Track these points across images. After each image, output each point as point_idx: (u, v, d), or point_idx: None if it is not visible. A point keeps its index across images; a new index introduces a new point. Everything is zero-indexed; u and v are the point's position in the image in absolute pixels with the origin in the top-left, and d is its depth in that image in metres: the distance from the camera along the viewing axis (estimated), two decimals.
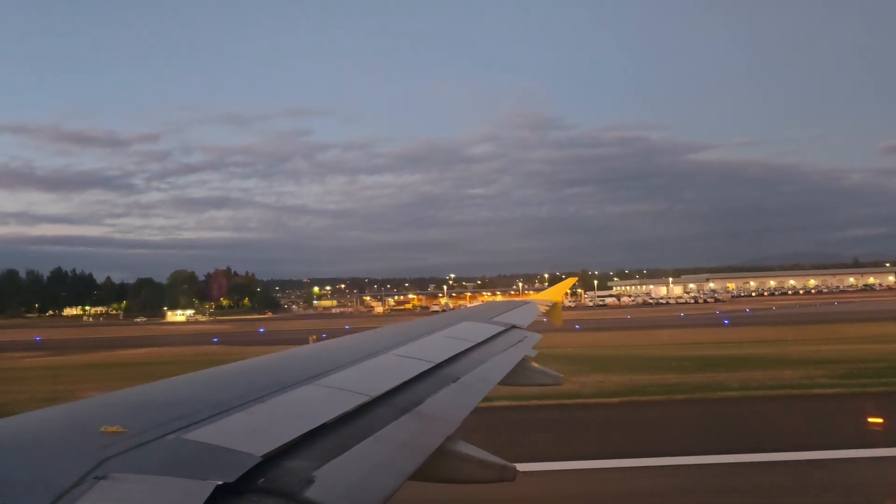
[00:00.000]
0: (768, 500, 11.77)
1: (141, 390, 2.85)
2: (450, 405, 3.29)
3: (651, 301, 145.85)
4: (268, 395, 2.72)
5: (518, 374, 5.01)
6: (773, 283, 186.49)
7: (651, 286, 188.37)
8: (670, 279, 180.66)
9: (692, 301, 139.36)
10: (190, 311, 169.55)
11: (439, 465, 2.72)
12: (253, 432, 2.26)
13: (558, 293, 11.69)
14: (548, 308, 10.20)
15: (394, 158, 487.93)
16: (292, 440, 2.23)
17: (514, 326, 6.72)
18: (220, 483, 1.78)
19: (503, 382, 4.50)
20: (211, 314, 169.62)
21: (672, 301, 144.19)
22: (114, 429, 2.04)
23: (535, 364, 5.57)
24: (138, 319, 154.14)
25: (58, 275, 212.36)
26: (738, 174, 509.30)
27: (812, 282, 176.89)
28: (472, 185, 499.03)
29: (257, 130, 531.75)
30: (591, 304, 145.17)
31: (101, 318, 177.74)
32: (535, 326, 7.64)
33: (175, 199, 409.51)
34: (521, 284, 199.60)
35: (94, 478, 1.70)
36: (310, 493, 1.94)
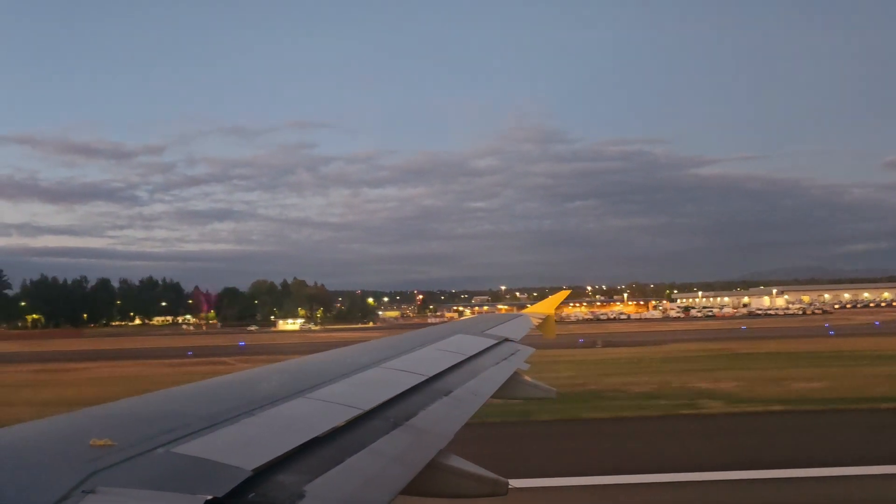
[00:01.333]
0: None
1: (130, 403, 2.83)
2: (442, 419, 3.28)
3: (760, 311, 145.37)
4: (259, 409, 2.71)
5: (511, 387, 5.00)
6: (847, 295, 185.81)
7: (725, 298, 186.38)
8: (774, 290, 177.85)
9: (801, 312, 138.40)
10: (301, 320, 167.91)
11: (431, 479, 2.71)
12: (243, 446, 2.24)
13: (550, 306, 11.69)
14: (540, 321, 10.20)
15: (397, 171, 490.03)
16: (283, 454, 2.22)
17: (506, 339, 6.72)
18: (209, 497, 1.77)
19: (496, 396, 4.49)
20: (318, 323, 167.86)
21: (780, 312, 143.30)
22: (103, 442, 2.03)
23: (527, 378, 5.56)
24: (251, 328, 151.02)
25: (149, 283, 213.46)
26: (740, 189, 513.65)
27: (886, 294, 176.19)
28: (475, 199, 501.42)
29: (262, 143, 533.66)
30: (699, 314, 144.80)
31: (203, 327, 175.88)
32: (529, 340, 7.64)
33: (178, 211, 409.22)
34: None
35: (83, 492, 1.68)
36: None
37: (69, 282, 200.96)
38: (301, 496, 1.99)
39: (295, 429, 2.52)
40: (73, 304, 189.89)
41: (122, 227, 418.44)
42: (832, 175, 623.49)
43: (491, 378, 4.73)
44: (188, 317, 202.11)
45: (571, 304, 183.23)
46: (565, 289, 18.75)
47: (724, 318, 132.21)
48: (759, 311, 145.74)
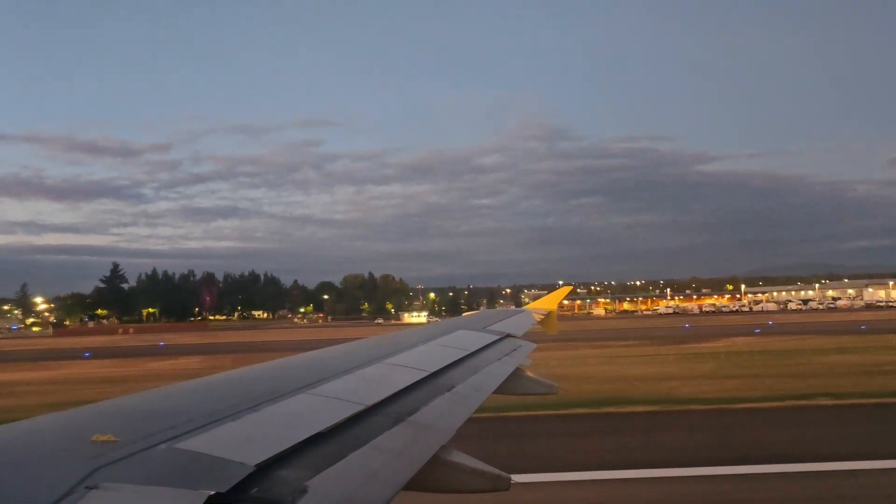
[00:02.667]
0: None
1: (133, 399, 2.83)
2: (444, 414, 3.29)
3: (881, 303, 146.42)
4: (261, 405, 2.71)
5: (513, 383, 5.00)
6: None
7: (808, 291, 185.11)
8: (890, 282, 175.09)
9: None
10: (425, 313, 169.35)
11: (433, 474, 2.71)
12: (246, 442, 2.24)
13: (553, 302, 11.69)
14: (543, 316, 10.19)
15: (402, 169, 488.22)
16: (286, 449, 2.22)
17: (508, 335, 6.72)
18: (212, 493, 1.77)
19: (498, 391, 4.49)
20: (442, 316, 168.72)
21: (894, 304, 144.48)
22: (106, 437, 2.03)
23: (529, 373, 5.56)
24: (378, 321, 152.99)
25: (252, 278, 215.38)
26: (745, 185, 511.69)
27: None
28: (480, 196, 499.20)
29: (268, 141, 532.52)
30: (821, 306, 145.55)
31: (318, 321, 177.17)
32: (532, 335, 7.64)
33: (183, 208, 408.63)
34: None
35: (86, 487, 1.69)
36: (303, 502, 1.93)
37: (176, 276, 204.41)
38: (304, 491, 2.00)
39: (297, 425, 2.52)
40: (183, 298, 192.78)
41: (126, 225, 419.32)
42: (837, 172, 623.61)
43: (493, 373, 4.73)
44: (302, 311, 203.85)
45: (615, 300, 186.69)
46: (567, 285, 18.71)
47: (846, 310, 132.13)
48: (880, 303, 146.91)
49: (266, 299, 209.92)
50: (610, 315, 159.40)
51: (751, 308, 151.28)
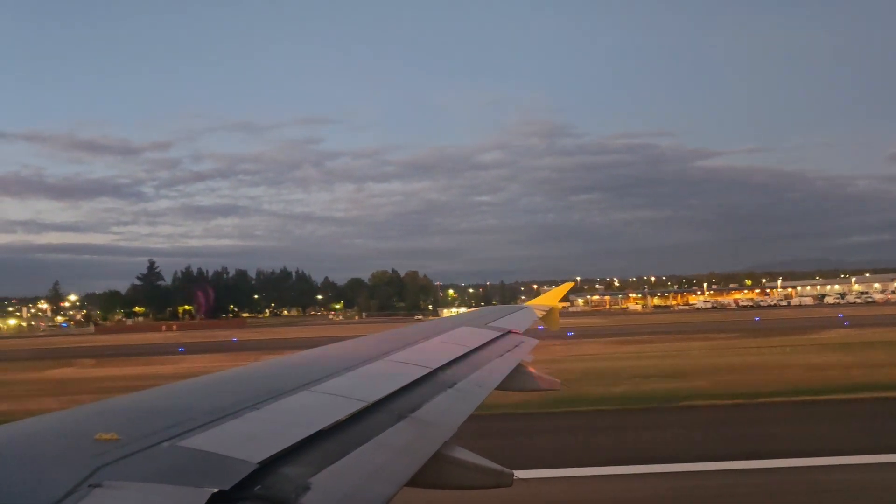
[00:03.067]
0: None
1: (136, 397, 2.84)
2: (447, 411, 3.29)
3: None
4: (264, 402, 2.71)
5: (515, 379, 5.00)
6: None
7: (828, 286, 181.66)
8: None
9: None
10: (464, 309, 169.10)
11: (436, 470, 2.71)
12: (249, 439, 2.25)
13: (555, 298, 11.69)
14: (544, 313, 10.20)
15: (402, 166, 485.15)
16: (288, 447, 2.22)
17: (510, 331, 6.72)
18: (215, 490, 1.77)
19: (500, 388, 4.50)
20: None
21: None
22: (108, 436, 2.03)
23: (531, 369, 5.57)
24: (418, 317, 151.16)
25: (283, 275, 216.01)
26: (745, 181, 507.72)
27: None
28: (480, 193, 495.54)
29: (268, 139, 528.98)
30: (858, 300, 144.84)
31: (355, 318, 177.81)
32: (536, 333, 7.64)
33: (183, 206, 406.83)
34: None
35: (89, 486, 1.69)
36: (306, 499, 1.93)
37: (210, 273, 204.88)
38: (307, 488, 2.00)
39: (300, 422, 2.52)
40: (217, 295, 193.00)
41: (126, 224, 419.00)
42: (837, 167, 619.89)
43: (495, 370, 4.73)
44: (337, 307, 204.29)
45: (639, 295, 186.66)
46: (568, 281, 18.72)
47: (883, 303, 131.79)
48: None
49: (297, 296, 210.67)
50: (648, 310, 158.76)
51: (788, 303, 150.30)
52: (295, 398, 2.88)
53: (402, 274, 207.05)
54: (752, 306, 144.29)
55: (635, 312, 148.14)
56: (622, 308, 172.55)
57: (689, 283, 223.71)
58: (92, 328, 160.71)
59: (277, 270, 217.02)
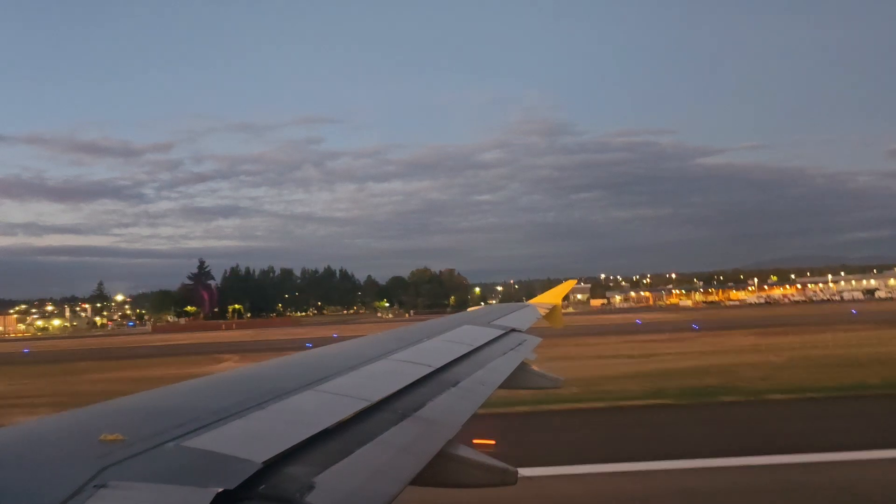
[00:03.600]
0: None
1: (140, 397, 2.84)
2: (450, 409, 3.29)
3: None
4: (268, 402, 2.72)
5: (518, 377, 5.00)
6: None
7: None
8: None
9: None
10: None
11: (440, 469, 2.72)
12: (253, 439, 2.25)
13: (557, 296, 11.67)
14: (547, 311, 10.18)
15: (403, 166, 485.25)
16: (293, 446, 2.23)
17: (513, 330, 6.72)
18: (220, 490, 1.78)
19: (503, 386, 4.49)
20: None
21: None
22: (113, 437, 2.04)
23: (535, 367, 5.56)
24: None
25: (327, 274, 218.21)
26: (745, 178, 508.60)
27: None
28: (480, 192, 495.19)
29: (269, 139, 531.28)
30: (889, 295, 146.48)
31: (406, 315, 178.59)
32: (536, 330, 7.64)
33: (184, 208, 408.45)
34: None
35: (94, 486, 1.69)
36: (310, 498, 1.94)
37: (256, 273, 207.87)
38: (311, 488, 2.00)
39: (304, 421, 2.53)
40: (265, 294, 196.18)
41: (127, 225, 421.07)
42: (837, 163, 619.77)
43: (498, 368, 4.73)
44: (388, 305, 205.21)
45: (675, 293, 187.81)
46: (570, 279, 18.68)
47: None
48: None
49: (342, 295, 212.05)
50: (700, 305, 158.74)
51: (841, 297, 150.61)
52: (299, 398, 2.89)
53: (441, 271, 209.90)
54: (805, 301, 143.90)
55: (689, 308, 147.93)
56: (671, 304, 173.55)
57: (708, 280, 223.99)
58: (149, 327, 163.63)
59: (321, 270, 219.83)
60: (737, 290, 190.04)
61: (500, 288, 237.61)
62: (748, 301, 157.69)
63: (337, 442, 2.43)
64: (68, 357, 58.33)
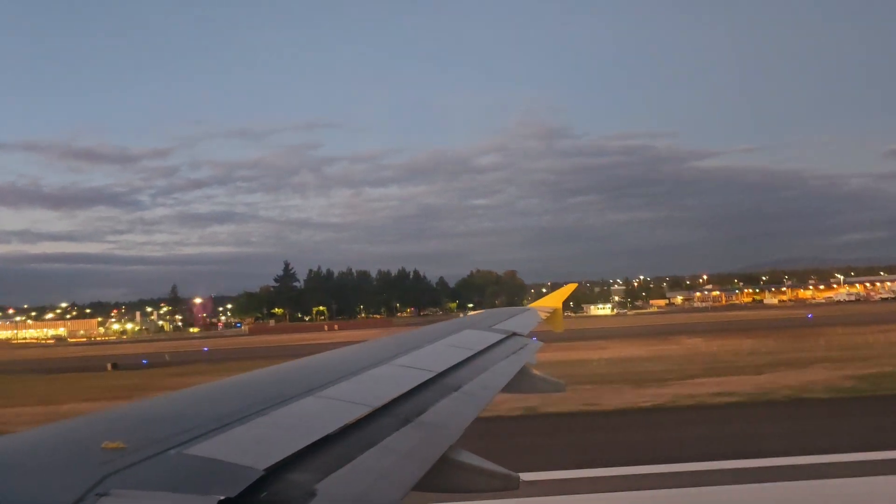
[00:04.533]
0: None
1: (142, 405, 2.84)
2: (452, 414, 3.29)
3: None
4: (269, 408, 2.71)
5: (520, 381, 5.00)
6: None
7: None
8: None
9: None
10: (609, 305, 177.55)
11: (442, 474, 2.71)
12: (255, 446, 2.25)
13: (558, 299, 11.67)
14: (548, 314, 10.18)
15: (400, 170, 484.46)
16: (294, 453, 2.23)
17: (514, 334, 6.71)
18: (222, 498, 1.77)
19: (505, 390, 4.49)
20: (615, 310, 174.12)
21: None
22: (115, 444, 2.04)
23: (536, 371, 5.56)
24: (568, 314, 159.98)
25: (401, 276, 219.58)
26: (741, 180, 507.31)
27: None
28: (477, 196, 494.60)
29: (267, 144, 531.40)
30: None
31: None
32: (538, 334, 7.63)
33: (179, 214, 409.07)
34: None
35: (96, 494, 1.69)
36: None
37: (335, 274, 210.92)
38: (313, 494, 2.00)
39: (306, 428, 2.52)
40: (346, 295, 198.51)
41: (122, 232, 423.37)
42: (832, 165, 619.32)
43: (500, 372, 4.73)
44: (471, 306, 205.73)
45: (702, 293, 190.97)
46: (571, 283, 18.67)
47: None
48: None
49: (417, 296, 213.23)
50: (787, 304, 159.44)
51: None
52: (301, 404, 2.88)
53: (502, 273, 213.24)
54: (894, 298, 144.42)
55: (774, 307, 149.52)
56: (746, 302, 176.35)
57: (748, 280, 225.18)
58: (246, 329, 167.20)
59: (395, 271, 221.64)
60: (795, 288, 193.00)
61: (544, 290, 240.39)
62: (836, 299, 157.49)
63: (339, 448, 2.43)
64: (247, 356, 56.75)
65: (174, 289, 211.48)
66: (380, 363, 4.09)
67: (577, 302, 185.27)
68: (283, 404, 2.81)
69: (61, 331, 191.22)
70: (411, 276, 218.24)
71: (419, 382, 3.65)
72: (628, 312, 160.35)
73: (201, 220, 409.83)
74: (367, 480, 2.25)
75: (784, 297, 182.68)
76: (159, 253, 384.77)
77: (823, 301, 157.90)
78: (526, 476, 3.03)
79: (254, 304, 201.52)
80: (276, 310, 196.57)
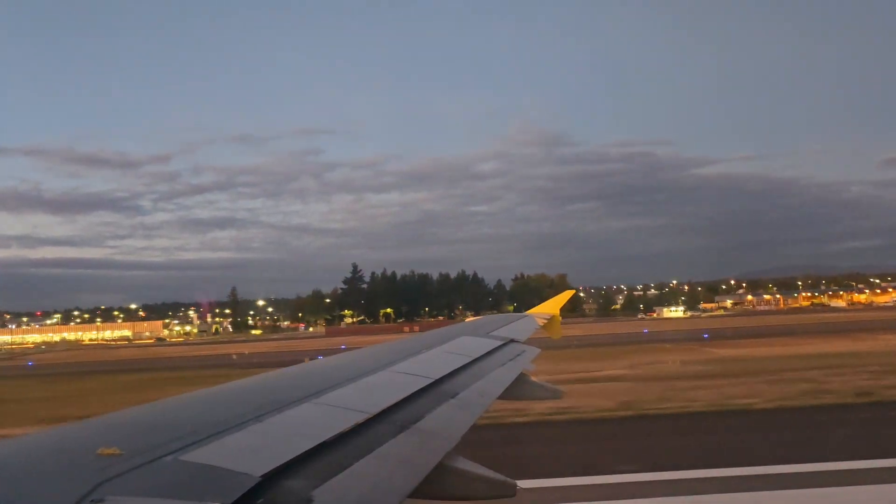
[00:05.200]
0: None
1: (138, 411, 2.83)
2: (449, 421, 3.28)
3: None
4: (266, 415, 2.71)
5: (517, 388, 4.99)
6: None
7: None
8: None
9: None
10: (680, 309, 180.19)
11: (439, 481, 2.70)
12: (251, 452, 2.24)
13: (555, 306, 11.66)
14: (546, 321, 10.18)
15: (401, 177, 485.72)
16: (290, 459, 2.22)
17: (512, 340, 6.71)
18: None
19: (502, 397, 4.49)
20: (687, 312, 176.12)
21: None
22: (111, 451, 2.03)
23: (534, 378, 5.55)
24: (641, 316, 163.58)
25: (460, 279, 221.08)
26: (740, 188, 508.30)
27: None
28: (476, 203, 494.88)
29: (268, 150, 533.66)
30: None
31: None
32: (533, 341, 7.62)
33: (180, 219, 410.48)
34: None
35: (91, 501, 1.68)
36: None
37: (398, 276, 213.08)
38: (309, 501, 1.99)
39: (302, 434, 2.52)
40: (410, 297, 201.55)
41: (122, 237, 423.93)
42: (831, 173, 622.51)
43: (497, 379, 4.72)
44: (511, 308, 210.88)
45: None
46: (569, 289, 18.65)
47: None
48: None
49: (478, 299, 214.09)
50: (855, 307, 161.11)
51: None
52: (297, 410, 2.87)
53: (553, 276, 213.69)
54: None
55: (842, 309, 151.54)
56: (809, 305, 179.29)
57: (757, 285, 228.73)
58: (322, 330, 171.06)
59: (454, 274, 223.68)
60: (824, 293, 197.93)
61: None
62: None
63: (335, 455, 2.42)
64: None
65: (233, 291, 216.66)
66: (377, 370, 4.08)
67: (646, 305, 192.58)
68: (280, 410, 2.80)
69: (125, 332, 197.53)
70: (470, 279, 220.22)
71: (416, 389, 3.65)
72: (702, 315, 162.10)
73: (202, 226, 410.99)
74: (364, 487, 2.25)
75: (857, 299, 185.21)
76: (159, 258, 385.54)
77: (891, 304, 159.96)
78: (523, 483, 3.02)
79: (322, 306, 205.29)
80: (346, 311, 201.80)
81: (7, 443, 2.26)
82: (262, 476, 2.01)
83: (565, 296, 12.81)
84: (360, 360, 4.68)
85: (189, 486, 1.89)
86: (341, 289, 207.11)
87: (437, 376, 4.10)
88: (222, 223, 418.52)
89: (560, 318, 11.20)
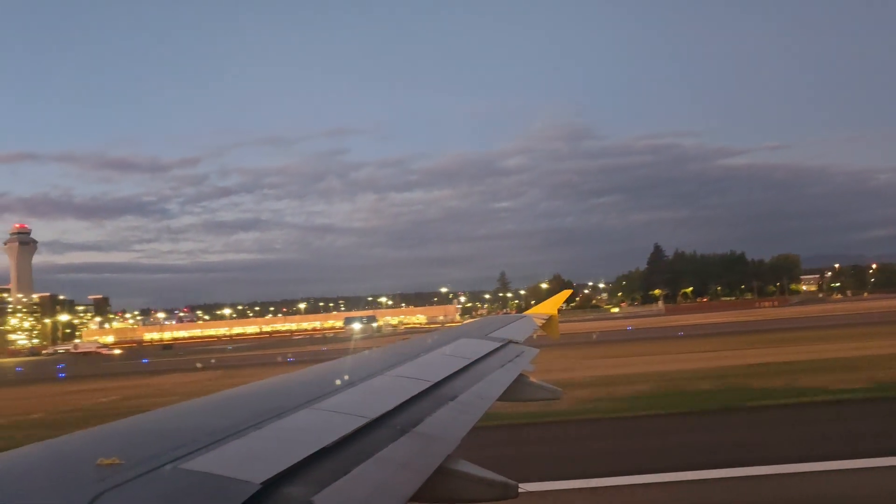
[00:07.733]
0: None
1: (138, 420, 2.83)
2: (449, 424, 3.28)
3: None
4: (266, 421, 2.70)
5: (516, 389, 5.00)
6: None
7: None
8: None
9: None
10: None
11: (440, 484, 2.70)
12: (251, 459, 2.24)
13: (553, 306, 11.66)
14: (544, 321, 10.18)
15: (425, 174, 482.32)
16: (291, 466, 2.22)
17: (511, 341, 6.71)
18: None
19: (502, 398, 4.49)
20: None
21: None
22: (110, 461, 2.02)
23: (533, 379, 5.56)
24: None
25: (737, 259, 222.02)
26: (767, 178, 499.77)
27: None
28: (500, 199, 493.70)
29: (295, 151, 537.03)
30: None
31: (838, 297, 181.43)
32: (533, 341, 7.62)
33: (206, 222, 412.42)
34: None
35: None
36: None
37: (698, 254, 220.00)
38: None
39: (302, 440, 2.51)
40: (706, 277, 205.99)
41: (149, 241, 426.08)
42: (859, 161, 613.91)
43: (496, 381, 4.73)
44: (801, 288, 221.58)
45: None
46: (567, 287, 18.64)
47: None
48: None
49: (744, 279, 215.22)
50: None
51: None
52: (297, 416, 2.87)
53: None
54: None
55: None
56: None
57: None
58: (662, 307, 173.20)
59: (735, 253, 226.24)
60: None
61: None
62: None
63: (335, 460, 2.42)
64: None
65: (503, 275, 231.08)
66: (376, 374, 4.08)
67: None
68: (280, 417, 2.80)
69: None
70: (751, 263, 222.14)
71: (415, 393, 3.65)
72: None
73: (227, 228, 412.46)
74: (365, 492, 2.25)
75: None
76: (183, 261, 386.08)
77: None
78: (525, 486, 3.02)
79: (631, 286, 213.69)
80: (655, 291, 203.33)
81: (7, 454, 2.25)
82: (262, 483, 2.01)
83: (563, 295, 12.79)
84: (359, 365, 4.68)
85: (189, 495, 1.88)
86: (649, 268, 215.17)
87: (437, 379, 4.10)
88: (246, 225, 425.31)
89: (558, 317, 11.20)
